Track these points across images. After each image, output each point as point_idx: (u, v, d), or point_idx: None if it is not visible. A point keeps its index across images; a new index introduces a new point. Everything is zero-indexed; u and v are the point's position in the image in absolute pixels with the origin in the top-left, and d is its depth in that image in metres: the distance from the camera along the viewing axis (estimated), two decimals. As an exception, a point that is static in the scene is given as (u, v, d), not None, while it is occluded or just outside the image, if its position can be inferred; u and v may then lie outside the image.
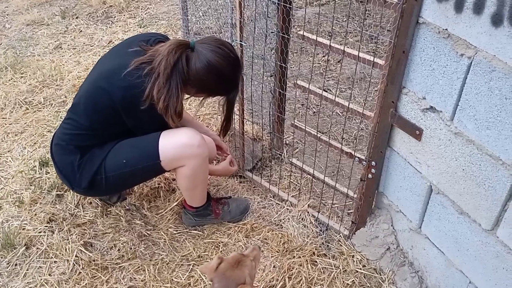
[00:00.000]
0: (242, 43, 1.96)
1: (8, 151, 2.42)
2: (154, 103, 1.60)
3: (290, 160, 2.15)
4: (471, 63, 1.22)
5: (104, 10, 4.07)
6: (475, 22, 1.17)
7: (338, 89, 2.93)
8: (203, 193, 1.95)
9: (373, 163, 1.68)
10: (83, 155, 1.75)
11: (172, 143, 1.72)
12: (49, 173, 2.22)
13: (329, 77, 3.11)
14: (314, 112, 2.78)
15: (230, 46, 1.71)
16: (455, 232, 1.47)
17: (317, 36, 1.72)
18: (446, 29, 1.27)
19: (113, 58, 1.74)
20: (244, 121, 2.21)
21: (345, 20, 3.67)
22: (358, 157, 1.73)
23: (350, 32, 3.58)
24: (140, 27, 3.78)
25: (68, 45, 3.53)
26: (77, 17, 4.00)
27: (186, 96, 1.76)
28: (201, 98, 1.84)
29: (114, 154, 1.75)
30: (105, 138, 1.76)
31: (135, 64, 1.60)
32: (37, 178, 2.19)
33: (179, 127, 1.78)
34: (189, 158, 1.73)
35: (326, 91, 2.91)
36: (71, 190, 2.00)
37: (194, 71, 1.63)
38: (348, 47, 1.64)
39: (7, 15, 4.10)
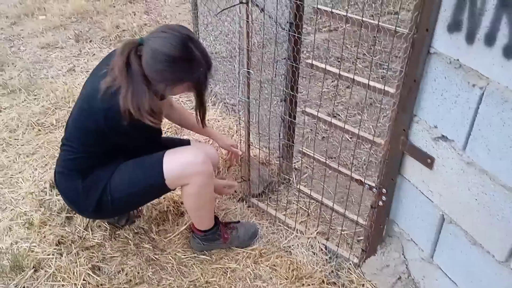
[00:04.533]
0: (250, 71, 1.97)
1: (19, 172, 2.44)
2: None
3: (298, 187, 2.14)
4: (483, 93, 1.22)
5: (117, 34, 4.15)
6: (487, 53, 1.18)
7: (347, 115, 2.94)
8: (211, 214, 1.95)
9: (384, 190, 1.67)
10: (85, 178, 1.75)
11: (176, 161, 1.73)
12: (59, 194, 2.23)
13: (338, 102, 3.12)
14: (323, 137, 2.79)
15: (175, 27, 1.63)
16: (468, 262, 1.44)
17: (326, 64, 1.74)
18: (458, 60, 1.28)
19: (91, 80, 1.75)
20: (252, 146, 2.21)
21: (354, 46, 3.71)
22: (369, 185, 1.73)
23: (359, 58, 3.62)
24: (152, 51, 3.84)
25: (81, 68, 3.59)
26: (90, 41, 4.09)
27: (168, 97, 1.76)
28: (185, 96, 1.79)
29: (119, 175, 1.76)
30: (103, 157, 1.76)
31: (105, 85, 1.60)
32: (47, 200, 2.20)
33: (185, 146, 1.80)
34: (193, 175, 1.74)
35: (335, 117, 2.93)
36: (80, 215, 2.01)
37: (146, 64, 1.58)
38: (357, 73, 1.65)
39: (22, 37, 4.20)
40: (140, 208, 2.18)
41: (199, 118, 1.84)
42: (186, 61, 1.59)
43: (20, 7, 4.80)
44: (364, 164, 2.54)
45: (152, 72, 1.59)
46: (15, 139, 2.72)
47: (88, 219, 2.08)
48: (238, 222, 2.10)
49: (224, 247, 2.02)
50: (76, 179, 1.76)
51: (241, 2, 1.82)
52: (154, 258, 1.96)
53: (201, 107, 1.80)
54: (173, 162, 1.73)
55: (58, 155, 1.85)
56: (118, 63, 1.59)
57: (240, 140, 2.20)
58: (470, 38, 1.22)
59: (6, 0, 5.03)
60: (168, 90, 1.68)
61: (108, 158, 1.77)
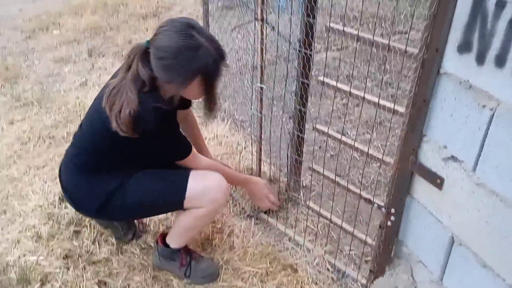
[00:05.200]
0: (263, 86, 1.99)
1: (29, 185, 2.46)
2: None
3: (307, 203, 2.13)
4: (494, 114, 1.22)
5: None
6: (497, 74, 1.18)
7: (357, 133, 2.94)
8: (191, 238, 1.94)
9: (393, 210, 1.66)
10: (91, 177, 1.74)
11: (200, 182, 1.72)
12: (67, 207, 2.24)
13: (347, 120, 3.12)
14: (332, 155, 2.78)
15: (176, 19, 1.57)
16: (478, 286, 1.42)
17: (337, 82, 1.75)
18: (468, 80, 1.27)
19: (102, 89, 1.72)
20: (262, 162, 2.22)
21: (364, 65, 3.73)
22: (378, 204, 1.71)
23: (368, 76, 3.62)
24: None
25: (93, 82, 3.64)
26: (103, 56, 4.15)
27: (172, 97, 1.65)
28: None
29: (137, 181, 1.74)
30: (113, 161, 1.73)
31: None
32: (56, 213, 2.21)
33: (207, 169, 1.78)
34: (210, 202, 1.73)
35: (345, 135, 2.93)
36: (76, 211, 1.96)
37: (154, 66, 1.52)
38: (366, 91, 1.66)
39: (37, 51, 4.28)
40: (146, 223, 2.18)
41: (207, 111, 1.75)
42: (191, 50, 1.49)
43: (35, 21, 4.91)
44: (373, 183, 2.52)
45: (160, 72, 1.53)
46: (26, 152, 2.75)
47: (96, 233, 2.08)
48: (203, 257, 1.99)
49: (178, 274, 1.93)
50: (81, 175, 1.75)
51: (256, 19, 1.85)
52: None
53: (210, 98, 1.67)
54: (197, 183, 1.71)
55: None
56: (121, 70, 1.60)
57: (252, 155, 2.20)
58: (480, 59, 1.22)
59: (21, 15, 5.15)
60: (181, 90, 1.57)
61: (118, 164, 1.75)
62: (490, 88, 1.21)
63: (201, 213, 1.76)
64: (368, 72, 3.35)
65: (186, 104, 1.97)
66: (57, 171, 2.54)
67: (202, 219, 1.79)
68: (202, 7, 3.36)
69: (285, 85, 2.16)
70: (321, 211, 2.04)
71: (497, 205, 1.27)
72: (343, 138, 1.82)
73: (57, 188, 2.40)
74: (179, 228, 1.88)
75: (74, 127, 2.97)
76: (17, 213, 2.25)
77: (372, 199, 1.74)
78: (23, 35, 4.66)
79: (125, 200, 1.73)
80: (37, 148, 2.78)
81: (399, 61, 3.60)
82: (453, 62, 1.31)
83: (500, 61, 1.16)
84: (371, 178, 2.58)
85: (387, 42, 1.52)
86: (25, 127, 2.98)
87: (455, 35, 1.28)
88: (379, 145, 2.84)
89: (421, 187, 1.56)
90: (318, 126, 1.92)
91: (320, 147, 2.82)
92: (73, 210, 2.18)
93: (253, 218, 2.26)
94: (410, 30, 2.02)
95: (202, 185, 1.72)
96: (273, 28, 2.19)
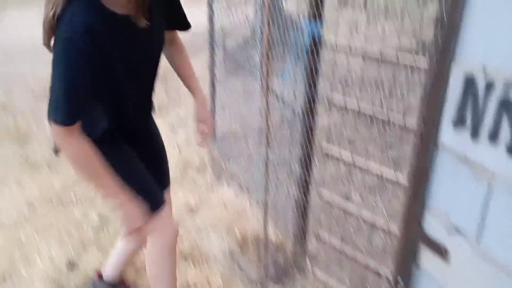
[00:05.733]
0: (269, 154, 2.05)
1: (36, 249, 2.47)
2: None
3: (314, 271, 2.12)
4: (491, 186, 1.26)
5: (138, 113, 4.34)
6: (491, 149, 1.23)
7: (362, 199, 2.96)
8: None
9: (400, 281, 1.65)
10: None
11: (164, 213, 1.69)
12: (73, 272, 2.24)
13: (351, 185, 3.16)
14: (337, 221, 2.79)
15: None
16: None
17: (340, 150, 1.82)
18: (465, 154, 1.33)
19: None
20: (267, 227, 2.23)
21: (365, 129, 3.82)
22: (386, 277, 1.71)
23: (370, 140, 3.70)
24: (171, 130, 3.99)
25: (102, 145, 3.73)
26: (112, 119, 4.27)
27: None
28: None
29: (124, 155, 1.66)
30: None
31: None
32: (62, 279, 2.21)
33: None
34: (156, 232, 1.69)
35: (349, 199, 2.95)
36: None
37: None
38: (369, 156, 1.72)
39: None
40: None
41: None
42: None
43: (46, 80, 5.07)
44: (379, 248, 2.51)
45: None
46: (34, 214, 2.78)
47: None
48: None
49: None
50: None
51: (262, 87, 1.96)
52: None
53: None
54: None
55: None
56: None
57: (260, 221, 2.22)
58: (474, 134, 1.29)
59: (32, 74, 5.27)
60: None
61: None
62: (486, 162, 1.27)
63: (151, 255, 1.74)
64: (369, 136, 3.43)
65: (174, 22, 1.63)
66: (63, 234, 2.58)
67: (154, 264, 1.75)
68: (208, 72, 3.52)
69: (289, 150, 2.23)
70: (328, 280, 2.02)
71: (501, 276, 1.28)
72: (348, 205, 1.85)
73: (64, 253, 2.41)
74: (150, 281, 1.84)
75: (82, 190, 3.02)
76: (23, 279, 2.24)
77: (379, 271, 1.75)
78: (33, 94, 4.78)
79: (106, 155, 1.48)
80: (44, 211, 2.81)
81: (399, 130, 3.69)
82: (450, 136, 1.37)
83: (493, 137, 1.22)
84: (377, 245, 2.57)
85: (386, 115, 1.60)
86: (33, 189, 3.03)
87: (450, 111, 1.35)
88: (383, 208, 2.86)
89: (427, 257, 1.57)
90: (323, 193, 1.96)
91: (324, 213, 2.84)
92: (80, 276, 2.19)
93: (259, 285, 2.24)
94: (408, 93, 2.11)
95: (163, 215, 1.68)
96: (277, 96, 2.30)
